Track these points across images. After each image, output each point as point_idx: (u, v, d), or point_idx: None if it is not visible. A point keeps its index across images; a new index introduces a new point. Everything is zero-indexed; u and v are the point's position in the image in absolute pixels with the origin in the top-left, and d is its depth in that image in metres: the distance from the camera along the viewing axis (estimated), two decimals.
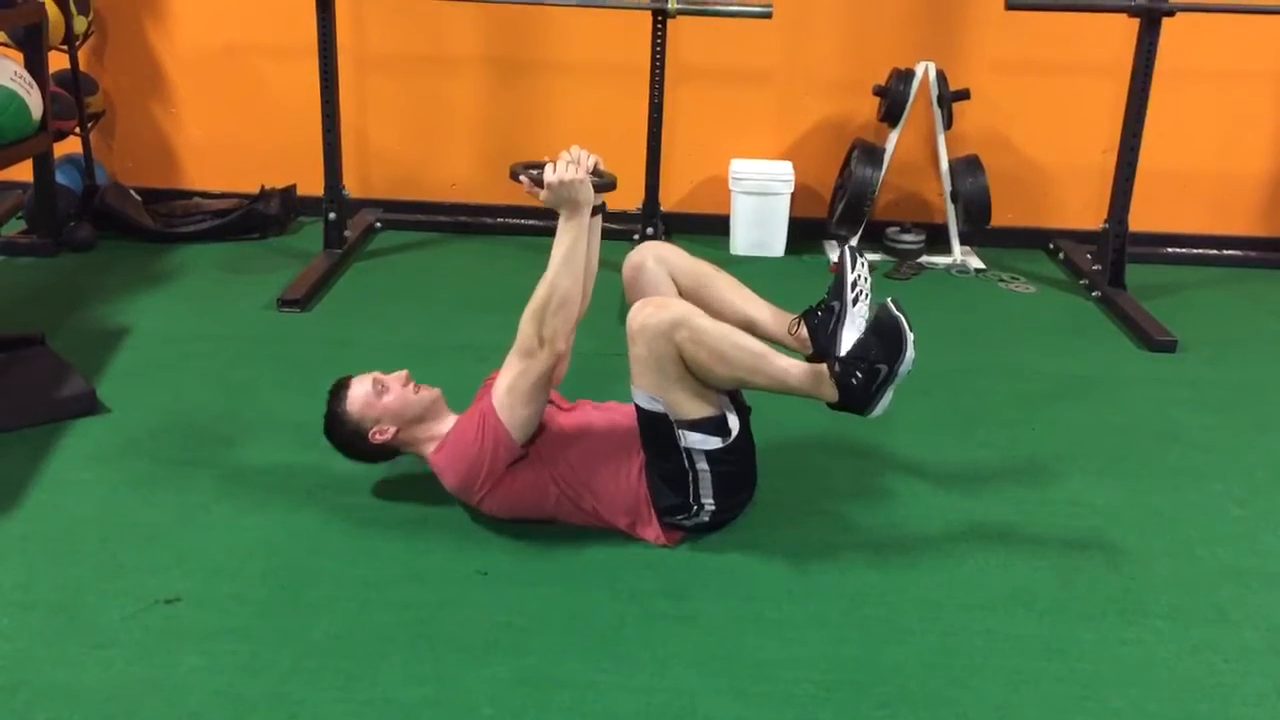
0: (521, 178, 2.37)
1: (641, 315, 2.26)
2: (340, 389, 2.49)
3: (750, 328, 2.46)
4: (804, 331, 2.48)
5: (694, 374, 2.28)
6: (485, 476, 2.37)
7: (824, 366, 2.31)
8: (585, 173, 2.34)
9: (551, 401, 2.51)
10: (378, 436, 2.45)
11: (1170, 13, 3.78)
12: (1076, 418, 3.14)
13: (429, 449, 2.47)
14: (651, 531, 2.42)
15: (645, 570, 2.35)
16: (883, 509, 2.63)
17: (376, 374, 2.49)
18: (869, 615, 2.24)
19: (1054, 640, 2.18)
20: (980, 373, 3.42)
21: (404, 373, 2.51)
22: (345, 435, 2.48)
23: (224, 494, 2.59)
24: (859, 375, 2.26)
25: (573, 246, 2.34)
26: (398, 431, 2.46)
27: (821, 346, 2.42)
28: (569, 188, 2.32)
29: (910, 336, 2.22)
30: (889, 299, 2.31)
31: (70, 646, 2.07)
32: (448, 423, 2.49)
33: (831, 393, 2.30)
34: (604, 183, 2.39)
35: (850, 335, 2.37)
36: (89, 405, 2.94)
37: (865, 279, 2.45)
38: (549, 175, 2.32)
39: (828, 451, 2.87)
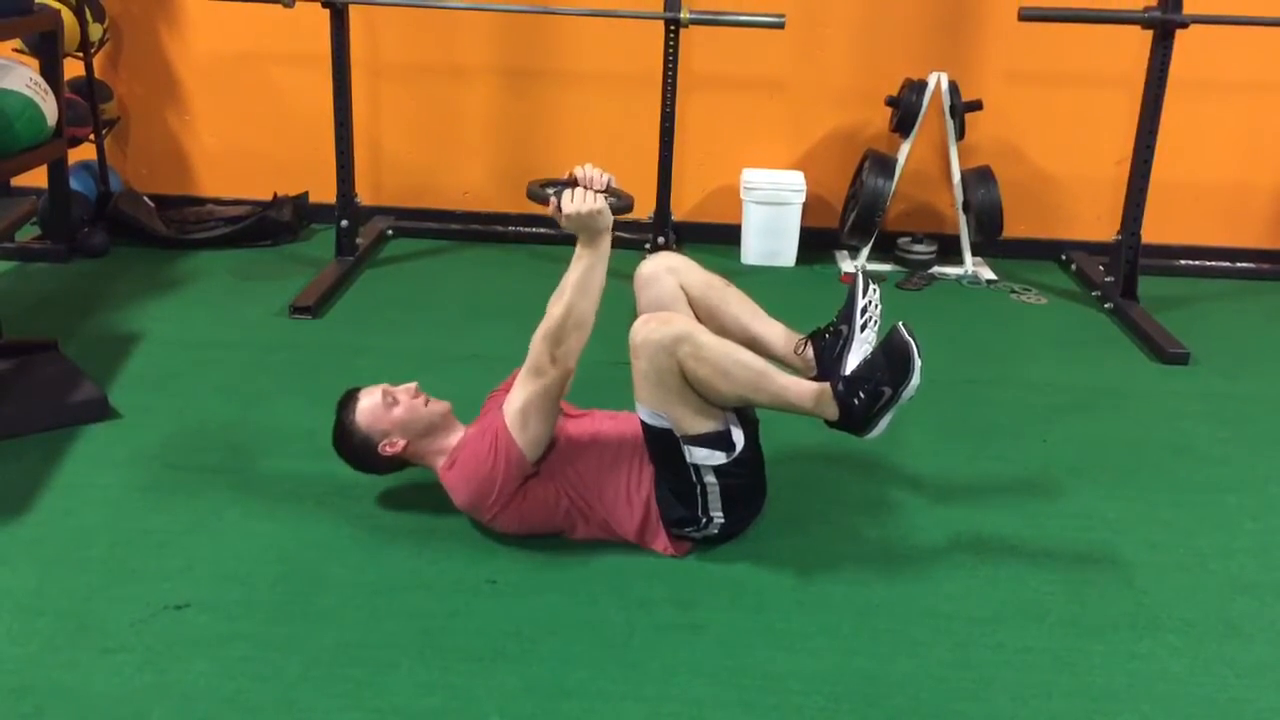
0: (541, 200, 2.34)
1: (644, 330, 2.25)
2: (349, 400, 2.48)
3: (756, 344, 2.45)
4: (810, 353, 2.47)
5: (696, 390, 2.27)
6: (497, 496, 2.35)
7: (827, 385, 2.30)
8: (602, 199, 2.30)
9: (560, 411, 2.51)
10: (387, 449, 2.44)
11: (1184, 24, 3.77)
12: (1088, 430, 3.13)
13: (438, 462, 2.46)
14: (660, 542, 2.42)
15: (654, 580, 2.35)
16: (893, 521, 2.62)
17: (385, 385, 2.47)
18: (879, 627, 2.23)
19: (1065, 654, 2.17)
20: (991, 384, 3.41)
21: (413, 385, 2.49)
22: (353, 447, 2.47)
23: (234, 500, 2.60)
24: (861, 396, 2.25)
25: (588, 271, 2.32)
26: (407, 445, 2.44)
27: (826, 369, 2.41)
28: (586, 218, 2.30)
29: (918, 363, 2.20)
30: (900, 322, 2.28)
31: (79, 652, 2.07)
32: (457, 435, 2.48)
33: (832, 411, 2.29)
34: (621, 205, 2.36)
35: (855, 361, 2.36)
36: (101, 411, 2.95)
37: (876, 305, 2.44)
38: (566, 207, 2.29)
39: (838, 463, 2.87)
